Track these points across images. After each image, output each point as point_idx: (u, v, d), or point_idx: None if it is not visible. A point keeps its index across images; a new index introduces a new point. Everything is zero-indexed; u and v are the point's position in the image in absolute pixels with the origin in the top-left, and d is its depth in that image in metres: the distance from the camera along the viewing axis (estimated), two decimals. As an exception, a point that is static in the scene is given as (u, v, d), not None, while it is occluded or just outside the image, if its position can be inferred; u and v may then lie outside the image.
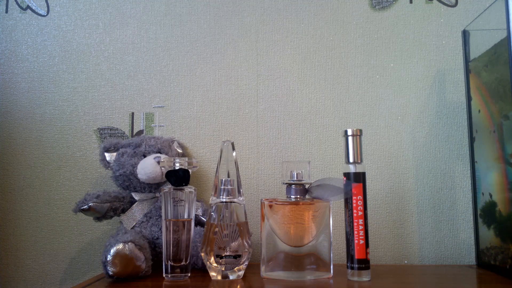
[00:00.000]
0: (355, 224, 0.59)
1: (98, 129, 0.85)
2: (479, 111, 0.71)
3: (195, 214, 0.70)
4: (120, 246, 0.59)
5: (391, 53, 0.83)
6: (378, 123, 0.82)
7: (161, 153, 0.73)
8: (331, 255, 0.62)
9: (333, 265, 0.62)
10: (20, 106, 0.86)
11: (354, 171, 0.60)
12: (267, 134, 0.83)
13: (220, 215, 0.61)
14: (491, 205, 0.67)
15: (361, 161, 0.61)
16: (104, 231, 0.83)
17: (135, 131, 0.85)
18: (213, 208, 0.62)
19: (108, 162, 0.74)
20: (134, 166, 0.71)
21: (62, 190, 0.84)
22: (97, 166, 0.83)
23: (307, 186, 0.64)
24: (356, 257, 0.59)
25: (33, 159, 0.85)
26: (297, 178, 0.63)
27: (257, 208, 0.80)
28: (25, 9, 0.89)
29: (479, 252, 0.71)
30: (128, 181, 0.72)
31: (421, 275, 0.67)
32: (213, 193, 0.63)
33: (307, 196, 0.63)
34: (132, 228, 0.71)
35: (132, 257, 0.59)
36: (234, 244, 0.60)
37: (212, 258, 0.60)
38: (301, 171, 0.64)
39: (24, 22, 0.89)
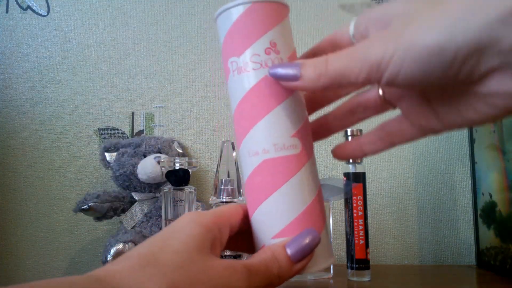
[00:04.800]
0: (355, 224, 0.59)
1: (98, 129, 0.85)
2: (479, 111, 0.71)
3: (195, 214, 0.70)
4: (120, 246, 0.59)
5: (391, 53, 0.83)
6: (378, 123, 0.82)
7: (161, 153, 0.73)
8: (331, 255, 0.62)
9: (333, 265, 0.62)
10: (20, 106, 0.86)
11: (354, 171, 0.60)
12: (267, 134, 0.83)
13: (220, 215, 0.61)
14: (491, 205, 0.67)
15: (361, 161, 0.61)
16: (104, 231, 0.83)
17: (135, 131, 0.85)
18: (213, 208, 0.62)
19: (108, 162, 0.74)
20: (134, 166, 0.71)
21: (62, 190, 0.84)
22: (97, 166, 0.83)
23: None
24: (356, 257, 0.59)
25: (33, 159, 0.85)
26: (297, 178, 0.63)
27: (257, 208, 0.80)
28: (25, 9, 0.89)
29: (479, 252, 0.71)
30: (128, 181, 0.72)
31: (421, 275, 0.67)
32: (213, 193, 0.63)
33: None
34: (132, 228, 0.71)
35: (132, 257, 0.59)
36: (234, 244, 0.60)
37: (212, 258, 0.60)
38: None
39: (25, 22, 0.89)
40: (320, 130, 0.34)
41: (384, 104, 0.31)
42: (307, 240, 0.27)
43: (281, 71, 0.28)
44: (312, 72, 0.26)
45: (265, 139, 0.29)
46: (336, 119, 0.33)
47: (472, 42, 0.21)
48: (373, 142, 0.32)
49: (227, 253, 0.60)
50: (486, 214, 0.69)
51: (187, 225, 0.26)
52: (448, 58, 0.22)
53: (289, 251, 0.27)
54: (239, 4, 0.29)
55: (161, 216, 0.71)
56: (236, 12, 0.29)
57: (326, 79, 0.26)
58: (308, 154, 0.30)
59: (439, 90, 0.27)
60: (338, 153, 0.34)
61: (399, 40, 0.23)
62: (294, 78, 0.27)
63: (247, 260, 0.27)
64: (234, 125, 0.31)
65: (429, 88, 0.27)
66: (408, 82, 0.24)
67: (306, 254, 0.27)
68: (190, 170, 0.64)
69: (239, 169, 0.64)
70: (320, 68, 0.26)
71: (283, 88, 0.29)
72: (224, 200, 0.61)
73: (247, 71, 0.29)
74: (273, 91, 0.29)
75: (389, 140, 0.31)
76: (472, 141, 0.74)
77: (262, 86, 0.29)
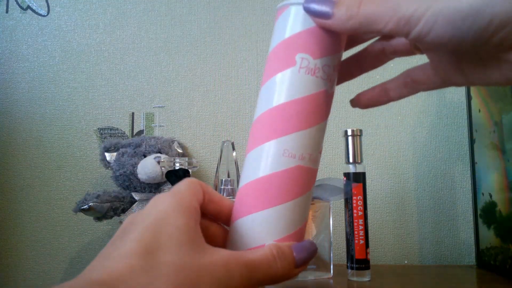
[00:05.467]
0: (355, 224, 0.59)
1: (98, 129, 0.85)
2: (479, 111, 0.71)
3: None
4: (120, 246, 0.59)
5: (391, 53, 0.83)
6: (378, 123, 0.82)
7: (161, 153, 0.73)
8: (331, 255, 0.62)
9: (333, 265, 0.62)
10: (20, 106, 0.87)
11: (354, 171, 0.60)
12: (267, 134, 0.83)
13: (220, 215, 0.61)
14: (491, 205, 0.67)
15: (361, 161, 0.61)
16: (104, 231, 0.83)
17: (135, 131, 0.85)
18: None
19: (108, 162, 0.74)
20: (134, 166, 0.71)
21: (62, 190, 0.84)
22: (97, 166, 0.83)
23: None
24: (356, 257, 0.59)
25: (33, 159, 0.85)
26: (297, 178, 0.63)
27: (257, 208, 0.80)
28: (25, 9, 0.89)
29: (479, 252, 0.71)
30: (128, 181, 0.72)
31: (421, 275, 0.67)
32: (213, 193, 0.63)
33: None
34: (132, 228, 0.71)
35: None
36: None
37: (212, 258, 0.60)
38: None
39: (25, 22, 0.89)
40: (352, 69, 0.34)
41: (414, 50, 0.32)
42: (312, 249, 0.29)
43: (315, 6, 0.28)
44: (344, 12, 0.26)
45: (306, 146, 0.29)
46: (368, 58, 0.34)
47: (508, 11, 0.21)
48: (398, 87, 0.33)
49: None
50: (486, 214, 0.69)
51: (171, 215, 0.25)
52: (483, 24, 0.22)
53: (295, 254, 0.28)
54: None
55: (161, 216, 0.71)
56: None
57: (355, 21, 0.26)
58: None
59: (470, 51, 0.27)
60: (362, 100, 0.34)
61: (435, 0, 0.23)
62: (326, 16, 0.27)
63: (247, 255, 0.26)
64: (272, 115, 0.30)
65: (459, 50, 0.28)
66: (437, 43, 0.24)
67: (307, 261, 0.28)
68: (190, 170, 0.64)
69: (239, 168, 0.64)
70: (352, 9, 0.26)
71: (330, 105, 0.30)
72: (224, 200, 0.61)
73: (316, 76, 0.29)
74: (326, 106, 0.30)
75: (414, 86, 0.32)
76: (472, 141, 0.74)
77: (321, 97, 0.29)
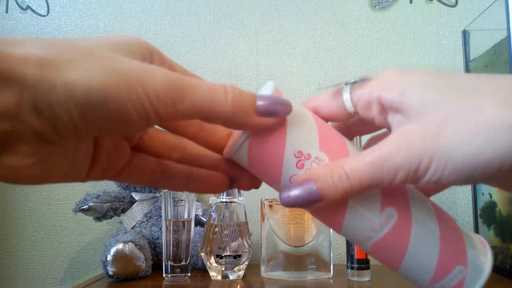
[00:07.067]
0: (355, 224, 0.59)
1: (98, 129, 0.85)
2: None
3: (195, 214, 0.70)
4: (120, 246, 0.59)
5: (391, 53, 0.83)
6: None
7: (161, 153, 0.73)
8: (331, 255, 0.62)
9: (333, 265, 0.62)
10: (20, 106, 0.86)
11: (354, 171, 0.60)
12: (267, 134, 0.83)
13: (220, 215, 0.61)
14: (491, 205, 0.67)
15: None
16: (104, 231, 0.83)
17: (135, 131, 0.85)
18: (213, 208, 0.62)
19: (108, 162, 0.74)
20: (134, 166, 0.71)
21: (62, 190, 0.84)
22: (97, 166, 0.83)
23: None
24: (356, 257, 0.59)
25: (33, 159, 0.85)
26: (297, 178, 0.63)
27: (257, 208, 0.80)
28: (25, 9, 0.89)
29: (479, 252, 0.71)
30: (128, 181, 0.72)
31: (421, 275, 0.67)
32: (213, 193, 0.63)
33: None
34: (132, 228, 0.71)
35: (132, 257, 0.59)
36: (234, 244, 0.60)
37: (212, 258, 0.60)
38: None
39: (24, 22, 0.89)
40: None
41: None
42: (278, 102, 0.23)
43: (294, 201, 0.24)
44: (333, 191, 0.23)
45: (360, 229, 0.26)
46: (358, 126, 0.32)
47: None
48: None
49: (227, 252, 0.60)
50: (486, 214, 0.69)
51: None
52: (493, 170, 0.21)
53: (257, 98, 0.22)
54: (241, 144, 0.25)
55: (161, 216, 0.71)
56: (245, 151, 0.26)
57: (353, 193, 0.23)
58: (406, 209, 0.27)
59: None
60: None
61: (435, 147, 0.22)
62: (315, 201, 0.23)
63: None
64: None
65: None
66: (453, 183, 0.23)
67: (272, 109, 0.23)
68: (190, 170, 0.64)
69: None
70: (342, 183, 0.23)
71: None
72: (224, 200, 0.61)
73: None
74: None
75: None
76: (472, 141, 0.74)
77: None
